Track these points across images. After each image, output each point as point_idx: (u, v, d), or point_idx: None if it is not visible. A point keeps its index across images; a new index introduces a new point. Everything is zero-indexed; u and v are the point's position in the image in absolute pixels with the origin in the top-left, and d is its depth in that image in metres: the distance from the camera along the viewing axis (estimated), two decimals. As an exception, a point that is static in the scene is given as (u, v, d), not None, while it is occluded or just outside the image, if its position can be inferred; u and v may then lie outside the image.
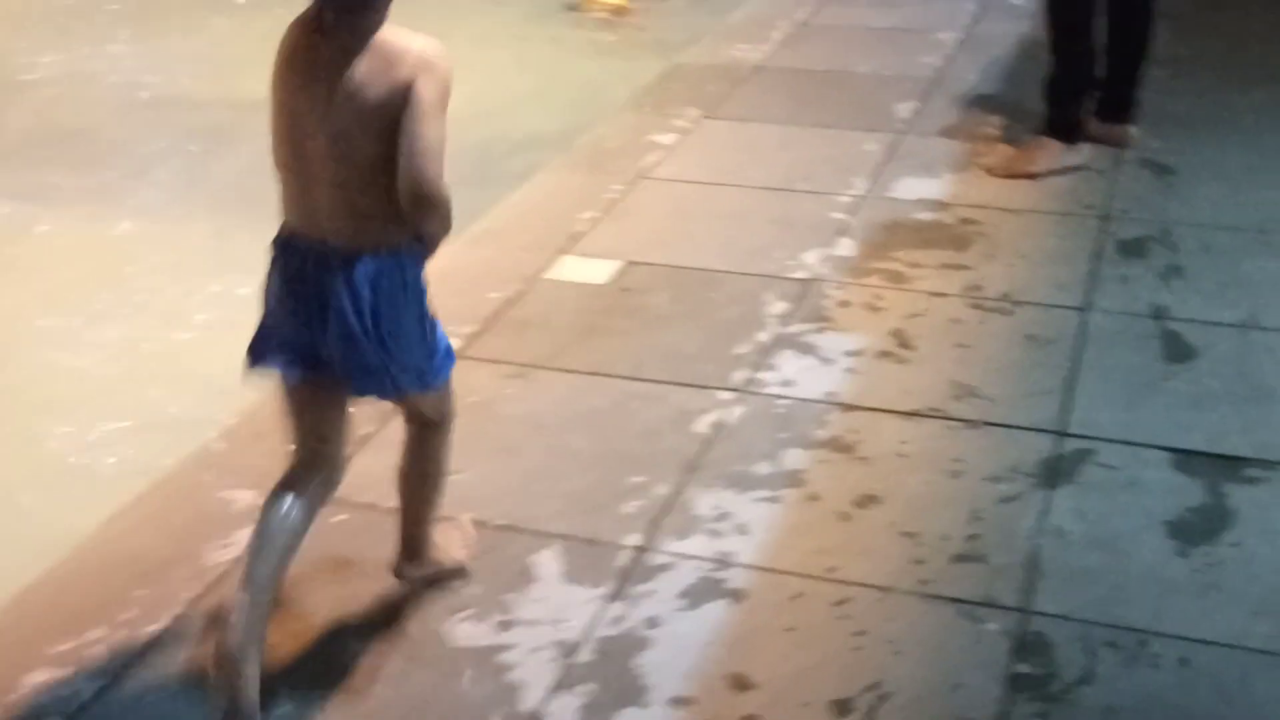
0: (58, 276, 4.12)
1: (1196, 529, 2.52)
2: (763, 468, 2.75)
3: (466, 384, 3.05)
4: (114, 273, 4.10)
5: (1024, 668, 2.19)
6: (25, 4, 7.13)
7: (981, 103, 4.81)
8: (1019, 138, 4.41)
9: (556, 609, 2.34)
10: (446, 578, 2.40)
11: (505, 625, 2.30)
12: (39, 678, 2.18)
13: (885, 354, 3.17)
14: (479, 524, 2.52)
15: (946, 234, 3.80)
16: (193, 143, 5.17)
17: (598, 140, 4.61)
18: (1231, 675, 2.17)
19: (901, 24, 5.75)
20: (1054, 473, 2.70)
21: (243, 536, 2.19)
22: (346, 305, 2.01)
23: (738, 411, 2.95)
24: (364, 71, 1.93)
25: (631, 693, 2.15)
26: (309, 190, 2.01)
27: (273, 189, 2.07)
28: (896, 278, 3.55)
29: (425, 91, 1.93)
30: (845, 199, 4.04)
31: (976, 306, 3.38)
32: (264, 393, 2.33)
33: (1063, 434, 2.83)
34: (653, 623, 2.30)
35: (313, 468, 2.16)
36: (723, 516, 2.60)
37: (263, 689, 2.03)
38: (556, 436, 2.86)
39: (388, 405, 2.32)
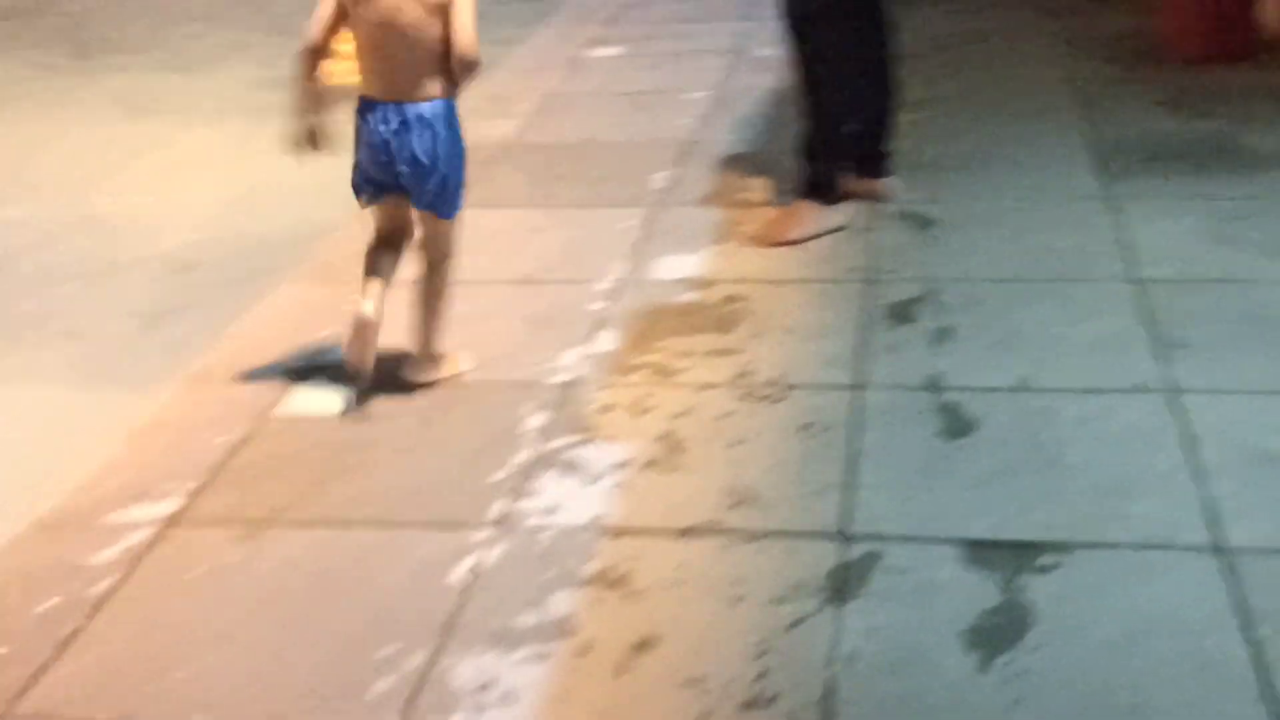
0: None
1: (996, 635, 2.33)
2: (528, 618, 2.45)
3: (187, 557, 2.71)
4: None
5: (828, 835, 1.95)
6: None
7: (738, 165, 4.65)
8: (779, 201, 4.26)
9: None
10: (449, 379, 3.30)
11: None
12: None
13: (654, 463, 2.92)
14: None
15: (711, 315, 3.59)
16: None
17: (337, 243, 4.28)
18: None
19: (651, 86, 5.58)
20: (842, 586, 2.48)
21: None
22: (425, 142, 3.04)
23: (496, 552, 2.65)
24: None
25: None
26: (390, 68, 3.00)
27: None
28: (662, 371, 3.31)
29: None
30: (603, 286, 3.80)
31: (747, 396, 3.17)
32: None
33: (847, 537, 2.61)
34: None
35: (392, 239, 3.25)
36: (486, 686, 2.29)
37: None
38: (291, 610, 2.52)
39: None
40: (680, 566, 2.57)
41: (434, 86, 3.01)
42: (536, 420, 3.12)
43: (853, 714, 2.17)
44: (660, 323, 3.57)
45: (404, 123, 3.01)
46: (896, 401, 3.09)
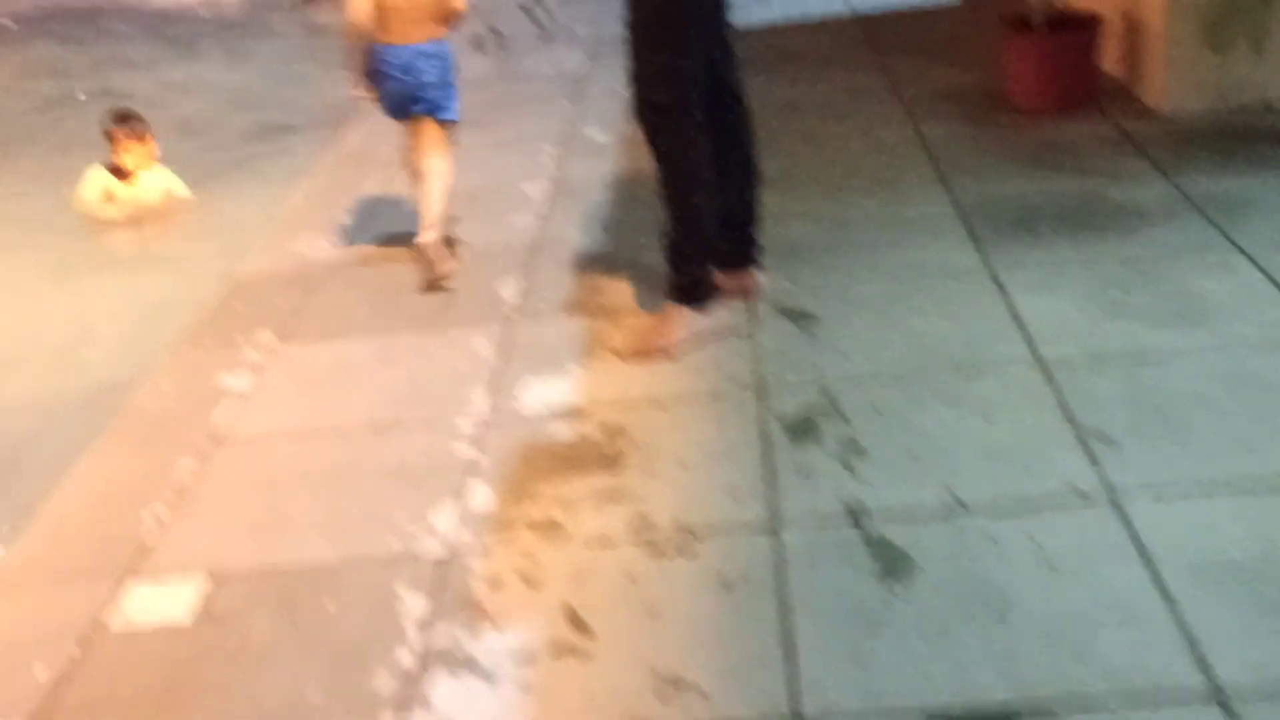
0: None
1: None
2: None
3: None
4: None
5: None
6: None
7: (592, 266, 4.31)
8: (643, 305, 3.94)
9: None
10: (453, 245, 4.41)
11: None
12: None
13: (561, 648, 2.54)
14: None
15: (594, 451, 3.22)
16: None
17: (152, 395, 3.79)
18: None
19: (484, 181, 5.19)
20: (806, 789, 2.14)
21: None
22: (430, 67, 4.33)
23: (392, 791, 2.24)
24: None
25: None
26: (405, 22, 4.28)
27: None
28: (550, 529, 2.93)
29: None
30: (467, 425, 3.40)
31: (652, 551, 2.80)
32: None
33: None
34: None
35: (418, 150, 4.46)
36: None
37: None
38: None
39: None
40: (614, 785, 2.20)
41: (436, 31, 4.39)
42: (416, 607, 2.70)
43: None
44: (538, 464, 3.19)
45: (419, 54, 4.36)
46: (819, 541, 2.77)
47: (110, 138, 5.92)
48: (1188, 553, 2.59)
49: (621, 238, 4.50)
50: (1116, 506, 2.75)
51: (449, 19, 4.38)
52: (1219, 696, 2.22)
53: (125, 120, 6.00)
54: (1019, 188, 4.49)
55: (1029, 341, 3.46)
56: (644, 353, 3.65)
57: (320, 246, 4.75)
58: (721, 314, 3.74)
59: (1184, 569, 2.54)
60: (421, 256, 4.32)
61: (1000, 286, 3.78)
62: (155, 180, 5.94)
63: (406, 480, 3.18)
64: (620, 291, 4.07)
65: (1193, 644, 2.34)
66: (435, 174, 4.45)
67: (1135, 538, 2.65)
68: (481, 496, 3.08)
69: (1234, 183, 4.33)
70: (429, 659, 2.55)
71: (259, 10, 11.02)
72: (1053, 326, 3.52)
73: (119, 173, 5.90)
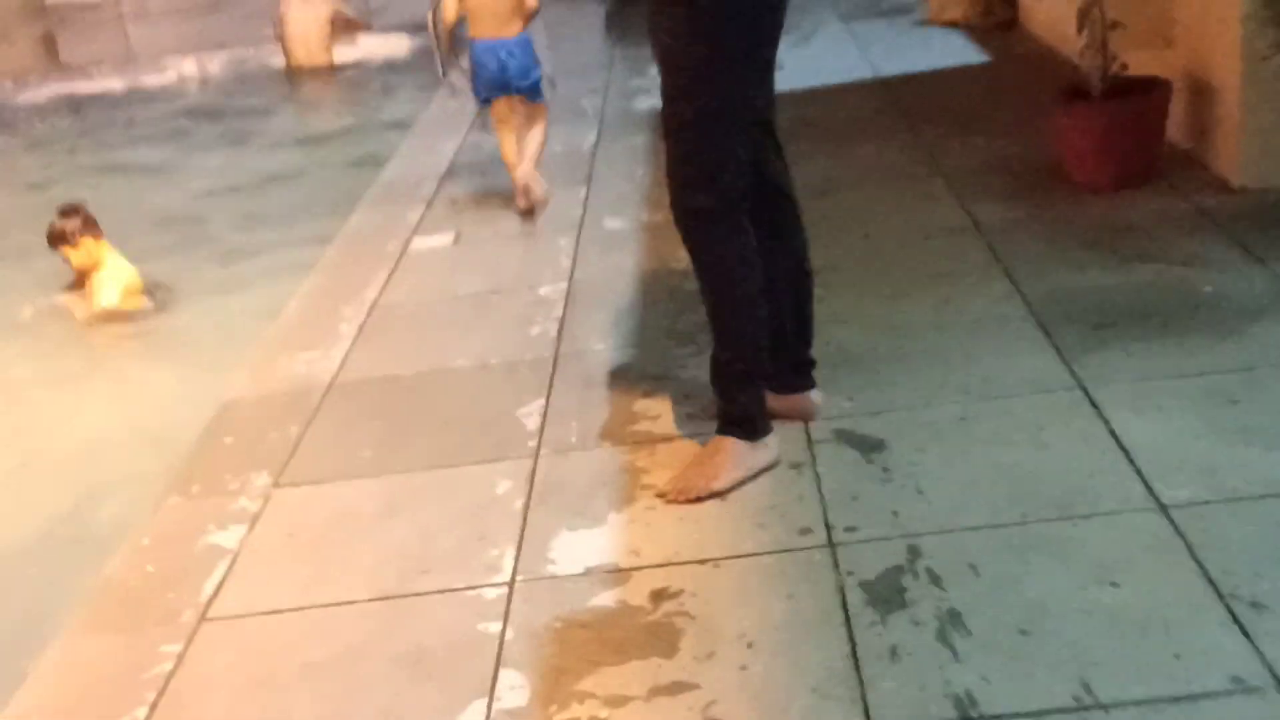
0: None
1: None
2: None
3: None
4: None
5: None
6: None
7: (621, 383, 3.84)
8: (683, 430, 3.48)
9: None
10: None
11: None
12: None
13: None
14: None
15: (642, 627, 2.74)
16: None
17: (133, 559, 3.31)
18: None
19: (495, 283, 4.75)
20: None
21: None
22: (515, 55, 5.42)
23: None
24: None
25: None
26: (488, 19, 5.39)
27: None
28: (600, 737, 2.46)
29: None
30: (491, 593, 2.92)
31: (728, 770, 2.33)
32: None
33: None
34: None
35: (509, 122, 5.64)
36: None
37: None
38: None
39: None
40: None
41: (516, 26, 5.40)
42: None
43: None
44: (577, 646, 2.71)
45: (507, 51, 5.38)
46: (932, 754, 2.30)
47: (57, 237, 5.55)
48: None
49: (652, 348, 4.04)
50: (1290, 703, 2.28)
51: (526, 15, 5.46)
52: None
53: (71, 215, 5.62)
54: (1095, 280, 4.03)
55: (1142, 477, 2.98)
56: (692, 495, 3.17)
57: (319, 362, 4.28)
58: (776, 445, 3.28)
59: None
60: (518, 187, 5.52)
61: (1094, 405, 3.31)
62: (111, 278, 5.57)
63: (425, 672, 2.69)
64: (657, 415, 3.61)
65: None
66: (530, 140, 5.62)
67: (1322, 748, 2.18)
68: (514, 690, 2.60)
69: (1338, 268, 3.89)
70: None
71: (248, 84, 10.66)
72: (1166, 457, 3.04)
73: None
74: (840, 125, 6.07)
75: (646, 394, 3.74)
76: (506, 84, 5.44)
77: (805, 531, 2.99)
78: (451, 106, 7.65)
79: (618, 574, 2.94)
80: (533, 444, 3.56)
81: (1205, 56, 4.71)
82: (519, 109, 5.58)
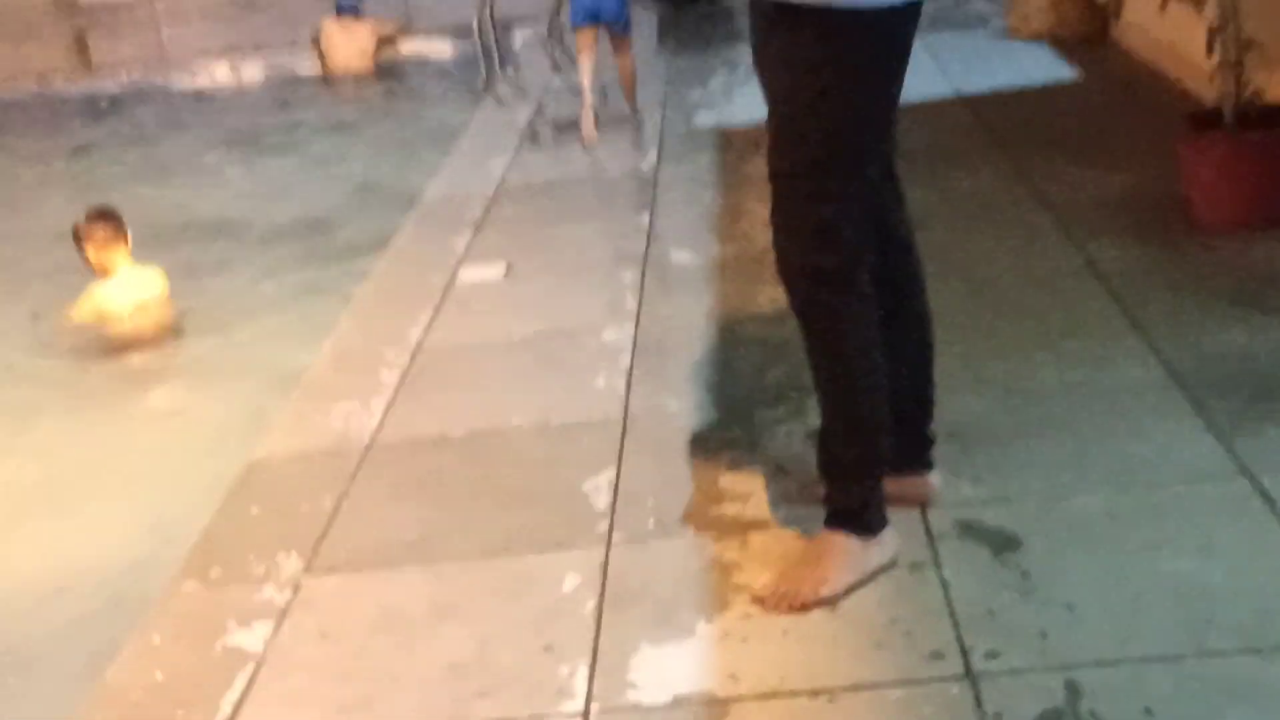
0: None
1: None
2: None
3: None
4: None
5: None
6: None
7: (704, 453, 3.36)
8: (780, 516, 3.00)
9: None
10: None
11: None
12: None
13: None
14: None
15: (749, 783, 2.28)
16: None
17: (136, 664, 2.84)
18: None
19: (553, 324, 4.28)
20: None
21: None
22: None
23: None
24: None
25: None
26: None
27: None
28: None
29: None
30: (563, 724, 2.46)
31: None
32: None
33: None
34: None
35: (593, 53, 6.56)
36: None
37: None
38: None
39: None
40: None
41: None
42: None
43: None
44: (671, 806, 2.24)
45: None
46: None
47: (81, 236, 5.28)
48: None
49: (736, 408, 3.56)
50: None
51: None
52: None
53: (100, 218, 5.37)
54: (1241, 341, 3.52)
55: (1338, 600, 2.49)
56: (797, 604, 2.69)
57: (357, 416, 3.82)
58: (893, 540, 2.79)
59: None
60: (585, 118, 6.40)
61: (1268, 500, 2.81)
62: (130, 287, 5.25)
63: (486, 833, 2.24)
64: (747, 494, 3.13)
65: None
66: (622, 70, 6.62)
67: None
68: None
69: None
70: None
71: (283, 91, 10.25)
72: (1369, 571, 2.56)
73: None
74: (924, 150, 5.55)
75: (732, 466, 3.27)
76: (598, 14, 6.36)
77: (936, 656, 2.50)
78: (499, 120, 7.24)
79: (714, 705, 2.45)
80: (603, 528, 3.08)
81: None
82: (613, 40, 6.53)
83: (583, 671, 2.59)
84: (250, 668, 2.75)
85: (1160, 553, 2.70)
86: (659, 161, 5.99)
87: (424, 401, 3.89)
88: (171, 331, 5.26)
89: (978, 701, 2.37)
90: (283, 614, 2.93)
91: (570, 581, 2.89)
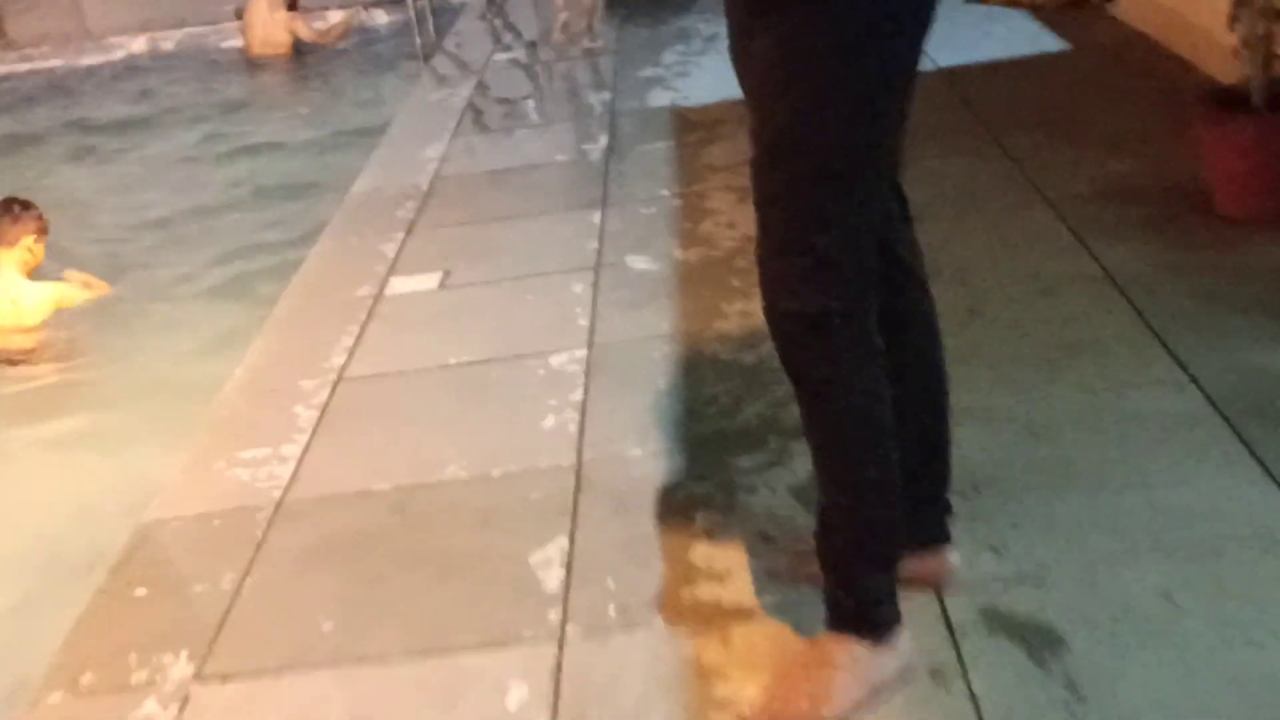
0: None
1: None
2: None
3: None
4: None
5: None
6: None
7: (670, 513, 2.83)
8: (766, 603, 2.50)
9: None
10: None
11: None
12: None
13: None
14: None
15: None
16: None
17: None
18: None
19: (493, 349, 3.72)
20: None
21: None
22: None
23: None
24: None
25: None
26: None
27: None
28: None
29: None
30: None
31: None
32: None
33: None
34: None
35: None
36: None
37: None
38: None
39: None
40: None
41: None
42: None
43: None
44: None
45: None
46: None
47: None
48: None
49: (707, 455, 3.04)
50: None
51: None
52: None
53: (9, 209, 4.90)
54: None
55: None
56: (792, 725, 2.20)
57: (267, 465, 3.27)
58: (910, 646, 2.29)
59: None
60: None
61: (1346, 570, 2.36)
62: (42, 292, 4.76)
63: None
64: (724, 571, 2.62)
65: None
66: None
67: None
68: None
69: None
70: None
71: (203, 69, 9.59)
72: None
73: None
74: (910, 130, 5.05)
75: (707, 533, 2.75)
76: None
77: (972, 801, 2.02)
78: (435, 99, 6.65)
79: None
80: (555, 616, 2.56)
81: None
82: None
83: (531, 823, 2.09)
84: (120, 819, 2.23)
85: (1233, 649, 2.22)
86: (610, 149, 5.43)
87: (345, 446, 3.34)
88: (59, 348, 4.70)
89: None
90: (164, 738, 2.40)
91: (515, 693, 2.37)
